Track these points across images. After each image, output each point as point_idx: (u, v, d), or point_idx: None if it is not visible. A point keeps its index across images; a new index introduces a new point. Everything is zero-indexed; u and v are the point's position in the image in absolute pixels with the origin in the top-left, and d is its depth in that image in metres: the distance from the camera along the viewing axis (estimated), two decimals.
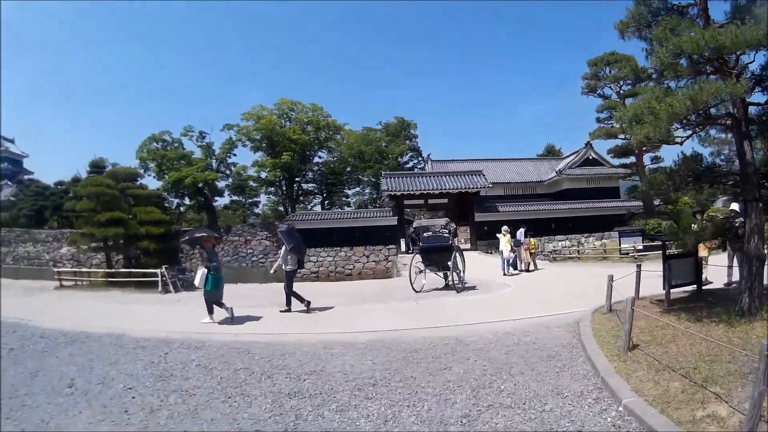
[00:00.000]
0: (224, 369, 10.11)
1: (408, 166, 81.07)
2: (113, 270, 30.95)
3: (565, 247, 49.57)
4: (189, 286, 26.23)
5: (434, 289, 20.67)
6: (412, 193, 51.74)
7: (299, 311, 16.28)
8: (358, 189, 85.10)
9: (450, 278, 21.01)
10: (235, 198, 77.39)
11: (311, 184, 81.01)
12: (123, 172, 36.93)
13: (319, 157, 78.56)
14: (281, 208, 78.59)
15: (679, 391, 7.31)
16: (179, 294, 24.17)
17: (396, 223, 52.07)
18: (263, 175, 70.22)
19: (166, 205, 65.84)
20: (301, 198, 79.38)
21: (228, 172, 73.67)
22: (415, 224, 24.34)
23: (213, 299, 14.91)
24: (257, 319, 15.49)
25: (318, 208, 77.20)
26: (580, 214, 53.75)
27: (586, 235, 52.73)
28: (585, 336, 10.84)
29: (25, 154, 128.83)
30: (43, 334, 13.81)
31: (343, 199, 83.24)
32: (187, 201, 73.99)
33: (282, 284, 16.46)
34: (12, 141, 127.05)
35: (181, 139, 73.84)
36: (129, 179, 37.12)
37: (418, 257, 21.42)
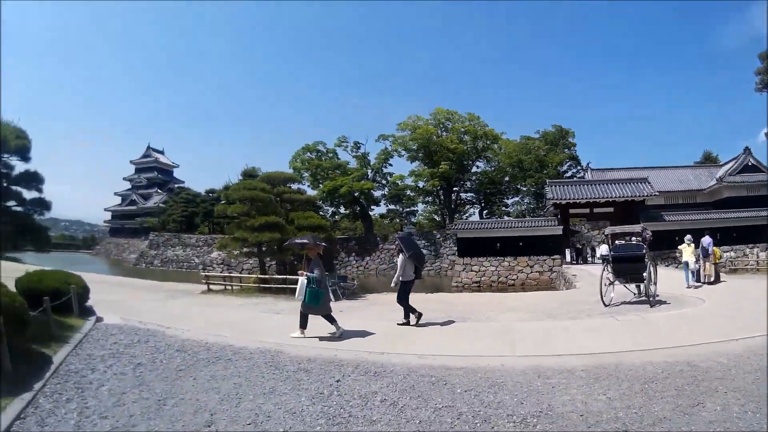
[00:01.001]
0: (420, 407, 7.56)
1: (567, 175, 78.76)
2: (267, 276, 29.65)
3: (730, 258, 46.07)
4: (350, 295, 25.32)
5: (623, 303, 18.73)
6: (577, 201, 50.02)
7: (412, 325, 14.91)
8: (517, 199, 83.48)
9: (644, 291, 19.13)
10: (391, 207, 78.25)
11: (469, 194, 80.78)
12: (279, 176, 35.36)
13: (477, 166, 78.48)
14: (437, 218, 79.12)
15: None
16: (340, 303, 22.13)
17: (561, 232, 49.94)
18: (420, 184, 71.11)
19: (321, 213, 66.24)
20: (459, 208, 78.98)
21: (384, 181, 74.89)
22: (607, 231, 22.75)
23: (309, 313, 13.39)
24: (434, 335, 13.57)
25: (475, 218, 74.64)
26: (743, 224, 50.32)
27: (750, 245, 49.35)
28: None
29: (175, 164, 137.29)
30: (181, 347, 11.93)
31: (503, 209, 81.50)
32: (342, 210, 75.94)
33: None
34: (161, 152, 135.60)
35: (335, 150, 76.22)
36: (285, 183, 35.45)
37: (609, 268, 19.30)
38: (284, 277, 27.16)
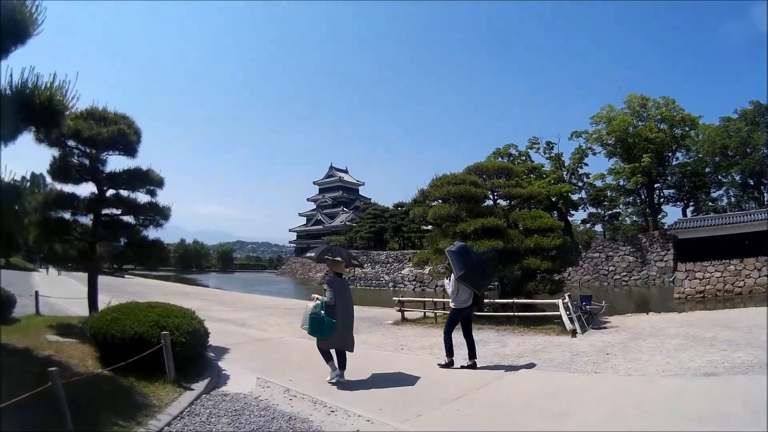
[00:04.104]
0: None
1: None
2: (485, 301, 20.36)
3: None
4: (597, 323, 17.49)
5: None
6: None
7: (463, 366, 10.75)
8: (720, 192, 71.61)
9: None
10: (592, 211, 70.65)
11: (670, 190, 70.19)
12: (491, 166, 25.76)
13: (676, 158, 67.78)
14: (637, 219, 71.32)
15: None
16: (590, 335, 15.03)
17: None
18: (621, 182, 63.72)
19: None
20: (661, 207, 69.39)
21: (580, 183, 68.31)
22: None
23: (325, 347, 9.90)
24: None
25: (673, 218, 65.32)
26: None
27: None
28: None
29: (360, 182, 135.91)
30: None
31: (709, 204, 69.70)
32: None
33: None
34: (345, 171, 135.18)
35: (528, 152, 70.98)
36: (499, 176, 25.25)
37: None
38: (506, 301, 18.98)
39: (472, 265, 11.08)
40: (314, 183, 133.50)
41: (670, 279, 48.32)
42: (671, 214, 69.79)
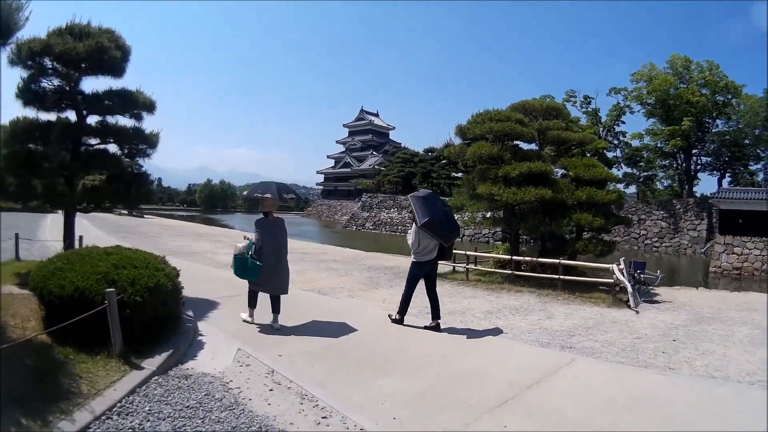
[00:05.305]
0: None
1: None
2: (523, 257, 17.32)
3: None
4: (648, 295, 14.93)
5: None
6: None
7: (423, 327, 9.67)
8: (759, 166, 67.82)
9: None
10: (626, 170, 67.16)
11: (708, 158, 67.13)
12: (538, 105, 21.24)
13: (715, 125, 64.75)
14: (666, 183, 69.52)
15: None
16: (647, 312, 12.50)
17: None
18: (659, 144, 61.52)
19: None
20: (697, 174, 66.43)
21: (616, 141, 65.87)
22: None
23: (255, 289, 9.38)
24: None
25: (708, 188, 62.90)
26: None
27: None
28: None
29: (390, 126, 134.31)
30: None
31: (747, 177, 65.94)
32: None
33: None
34: (376, 114, 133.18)
35: (564, 104, 64.54)
36: (548, 115, 20.85)
37: None
38: (551, 261, 16.01)
39: (439, 214, 9.94)
40: (344, 125, 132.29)
41: (702, 251, 46.36)
42: (705, 182, 67.49)
